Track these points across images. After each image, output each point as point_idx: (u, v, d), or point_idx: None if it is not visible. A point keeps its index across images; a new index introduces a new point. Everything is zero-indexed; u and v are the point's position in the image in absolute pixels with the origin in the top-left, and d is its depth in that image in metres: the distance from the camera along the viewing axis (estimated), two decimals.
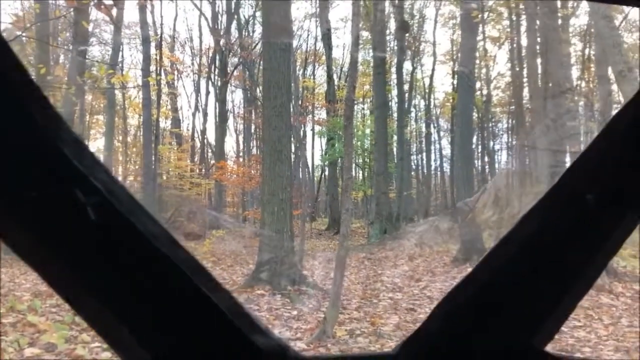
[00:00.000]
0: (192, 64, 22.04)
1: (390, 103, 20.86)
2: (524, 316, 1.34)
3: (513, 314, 1.34)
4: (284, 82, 8.83)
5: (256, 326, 0.93)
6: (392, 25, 19.91)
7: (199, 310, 0.77)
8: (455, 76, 19.72)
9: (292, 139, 11.40)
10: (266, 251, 8.88)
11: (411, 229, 12.53)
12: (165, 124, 21.04)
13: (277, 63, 8.81)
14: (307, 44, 23.67)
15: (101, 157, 16.60)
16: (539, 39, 13.77)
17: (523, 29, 17.06)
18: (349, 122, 6.57)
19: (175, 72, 21.34)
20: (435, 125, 25.77)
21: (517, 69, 18.21)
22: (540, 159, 10.72)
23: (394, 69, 19.86)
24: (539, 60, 14.13)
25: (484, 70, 22.23)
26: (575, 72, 20.08)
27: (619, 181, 1.30)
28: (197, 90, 21.49)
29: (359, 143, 23.84)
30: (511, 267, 1.33)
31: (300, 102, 22.21)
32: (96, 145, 20.86)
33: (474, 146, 19.82)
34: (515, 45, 18.71)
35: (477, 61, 20.88)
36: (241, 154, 22.54)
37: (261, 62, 14.00)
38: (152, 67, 18.41)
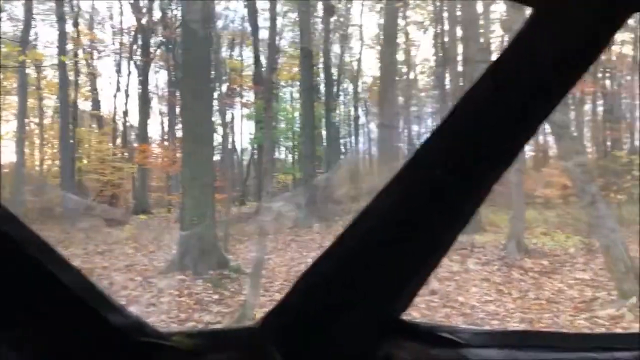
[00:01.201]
0: (113, 43, 21.11)
1: (319, 86, 20.92)
2: (382, 287, 1.39)
3: (372, 285, 1.39)
4: (204, 63, 8.64)
5: (111, 305, 0.91)
6: (319, 7, 19.89)
7: (51, 292, 0.75)
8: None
9: (216, 121, 11.21)
10: (188, 236, 8.74)
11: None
12: (84, 105, 20.11)
13: (196, 43, 8.59)
14: (233, 25, 23.23)
15: (14, 140, 15.69)
16: (460, 25, 14.20)
17: (446, 15, 17.47)
18: (268, 104, 6.54)
19: (95, 52, 20.39)
20: (364, 108, 26.10)
21: (441, 54, 18.71)
22: None
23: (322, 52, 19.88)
24: (460, 46, 14.59)
25: (409, 55, 22.69)
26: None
27: (468, 157, 1.36)
28: (119, 71, 20.62)
29: (288, 126, 23.78)
30: (369, 240, 1.37)
31: (228, 84, 21.86)
32: (8, 127, 19.67)
33: (400, 130, 20.22)
34: (439, 30, 19.19)
35: (404, 46, 21.28)
36: (166, 137, 21.94)
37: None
38: (70, 46, 17.52)
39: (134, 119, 20.36)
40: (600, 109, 22.04)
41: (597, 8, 1.33)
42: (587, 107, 22.52)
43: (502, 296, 8.13)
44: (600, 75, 21.78)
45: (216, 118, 20.04)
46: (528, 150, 23.85)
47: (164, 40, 19.61)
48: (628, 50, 21.04)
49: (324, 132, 20.07)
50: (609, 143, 21.81)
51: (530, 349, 1.34)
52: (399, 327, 1.40)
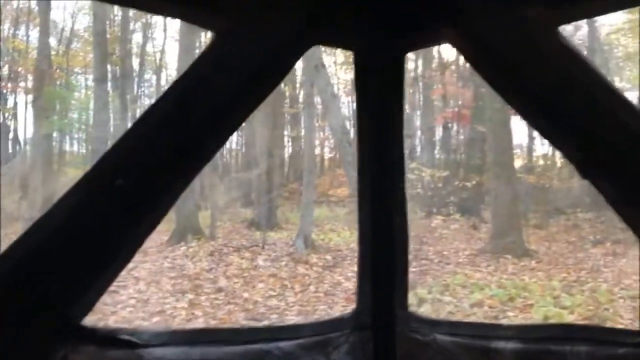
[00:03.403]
0: None
1: (117, 76, 19.80)
2: (61, 291, 1.38)
3: (50, 290, 1.38)
4: None
5: None
6: None
7: None
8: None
9: None
10: None
11: None
12: None
13: None
14: (19, 1, 20.80)
15: None
16: None
17: None
18: (39, 92, 5.99)
19: None
20: None
21: None
22: None
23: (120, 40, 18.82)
24: None
25: None
26: None
27: (152, 166, 1.42)
28: None
29: (83, 116, 22.09)
30: (48, 246, 1.36)
31: (9, 66, 19.55)
32: None
33: None
34: None
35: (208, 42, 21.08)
36: None
37: None
38: None
39: None
40: None
41: (277, 37, 1.49)
42: None
43: (285, 291, 8.56)
44: None
45: None
46: (326, 151, 25.44)
47: None
48: (411, 65, 23.66)
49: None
50: None
51: (204, 345, 1.46)
52: (77, 331, 1.41)
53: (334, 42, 1.76)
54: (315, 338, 1.53)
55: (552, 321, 6.79)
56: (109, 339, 1.39)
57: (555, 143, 1.42)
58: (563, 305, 7.33)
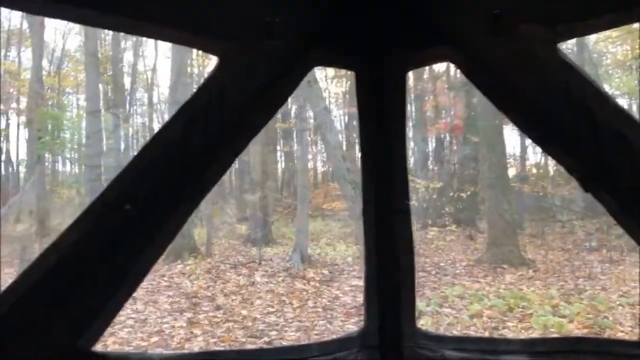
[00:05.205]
0: None
1: (109, 95, 19.81)
2: (69, 321, 1.38)
3: (57, 319, 1.37)
4: None
5: None
6: None
7: None
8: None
9: None
10: None
11: None
12: None
13: None
14: (9, 23, 20.84)
15: None
16: None
17: None
18: (31, 114, 5.98)
19: None
20: (161, 120, 25.35)
21: None
22: None
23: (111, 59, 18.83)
24: None
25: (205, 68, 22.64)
26: None
27: (159, 192, 1.42)
28: None
29: (75, 136, 22.04)
30: (53, 277, 1.35)
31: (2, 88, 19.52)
32: None
33: None
34: None
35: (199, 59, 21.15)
36: None
37: None
38: None
39: None
40: None
41: (279, 60, 1.50)
42: None
43: (283, 307, 8.51)
44: None
45: None
46: (320, 165, 25.48)
47: None
48: None
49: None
50: None
51: None
52: (88, 358, 1.40)
53: (334, 63, 1.77)
54: (323, 358, 1.53)
55: (552, 330, 6.79)
56: None
57: (555, 157, 1.43)
58: (562, 314, 7.32)
